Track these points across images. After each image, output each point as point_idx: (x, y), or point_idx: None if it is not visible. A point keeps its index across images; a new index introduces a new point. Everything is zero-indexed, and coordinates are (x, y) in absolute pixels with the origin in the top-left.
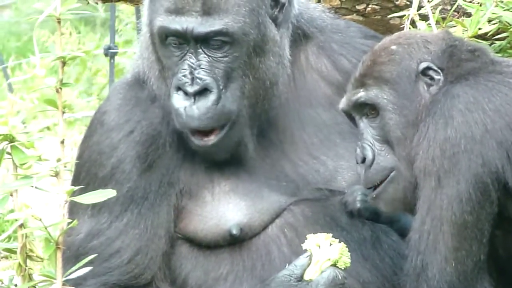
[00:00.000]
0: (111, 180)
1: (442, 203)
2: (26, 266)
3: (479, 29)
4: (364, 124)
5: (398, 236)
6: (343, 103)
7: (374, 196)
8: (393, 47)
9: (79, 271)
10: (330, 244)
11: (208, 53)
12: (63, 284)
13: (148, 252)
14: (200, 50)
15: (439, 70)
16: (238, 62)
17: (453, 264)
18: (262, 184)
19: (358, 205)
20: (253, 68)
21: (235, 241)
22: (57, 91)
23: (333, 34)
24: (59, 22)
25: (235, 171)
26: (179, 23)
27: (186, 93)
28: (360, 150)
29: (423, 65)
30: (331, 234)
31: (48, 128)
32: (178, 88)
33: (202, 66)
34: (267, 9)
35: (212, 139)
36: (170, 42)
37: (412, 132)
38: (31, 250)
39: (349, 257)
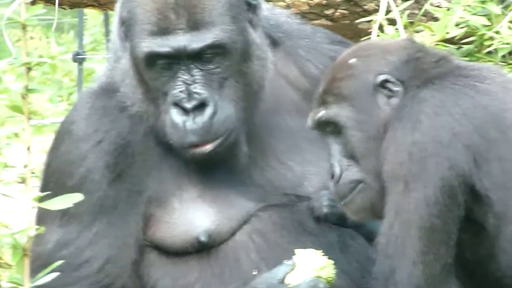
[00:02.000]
0: (80, 190)
1: (410, 207)
2: None
3: (447, 33)
4: (330, 141)
5: (365, 240)
6: (309, 121)
7: (343, 205)
8: (352, 60)
9: (47, 276)
10: (316, 259)
11: (201, 67)
12: None
13: (118, 261)
14: (192, 65)
15: (398, 82)
16: (230, 70)
17: (421, 268)
18: (229, 190)
19: (325, 210)
20: (243, 74)
21: (203, 248)
22: (23, 97)
23: (300, 39)
24: (24, 28)
25: (202, 178)
26: (168, 45)
27: (183, 109)
28: (329, 166)
29: (381, 78)
30: (320, 250)
31: (16, 134)
32: (175, 104)
33: (197, 81)
34: (244, 13)
35: (209, 147)
36: (159, 64)
37: (375, 146)
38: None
39: (335, 272)
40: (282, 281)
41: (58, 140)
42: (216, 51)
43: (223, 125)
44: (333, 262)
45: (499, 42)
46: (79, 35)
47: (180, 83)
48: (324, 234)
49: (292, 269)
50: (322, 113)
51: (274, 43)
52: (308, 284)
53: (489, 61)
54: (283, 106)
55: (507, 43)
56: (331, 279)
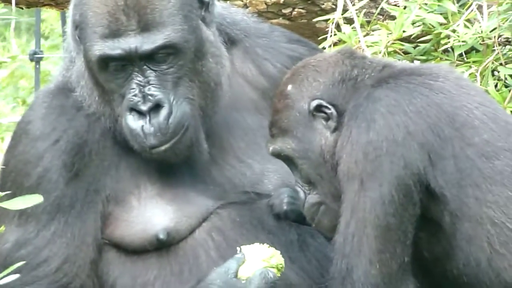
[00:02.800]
0: (38, 189)
1: (366, 205)
2: None
3: (404, 31)
4: (290, 168)
5: (324, 238)
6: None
7: (314, 226)
8: (288, 88)
9: (7, 277)
10: (263, 250)
11: (154, 68)
12: None
13: (76, 260)
14: (145, 67)
15: (330, 105)
16: (184, 70)
17: (378, 267)
18: (188, 188)
19: (285, 207)
20: (197, 72)
21: (162, 246)
22: None
23: (257, 38)
24: None
25: (161, 176)
26: (120, 47)
27: (139, 112)
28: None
29: (313, 104)
30: (265, 244)
31: None
32: (131, 109)
33: (151, 82)
34: (197, 12)
35: (167, 146)
36: (112, 67)
37: (325, 170)
38: None
39: (282, 258)
40: (235, 275)
41: (15, 140)
42: (168, 51)
43: (179, 124)
44: (279, 252)
45: (455, 40)
46: (36, 34)
47: (134, 85)
48: (283, 232)
49: (243, 262)
50: (271, 148)
51: (232, 41)
52: (260, 276)
53: (446, 59)
54: (241, 104)
55: (464, 42)
56: (281, 266)
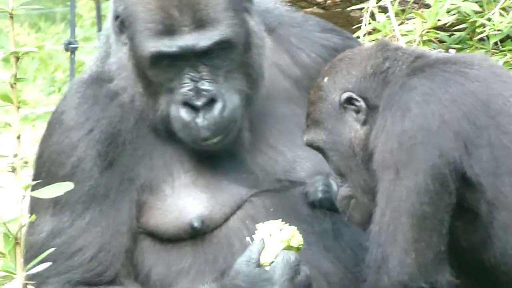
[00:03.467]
0: (72, 179)
1: (401, 195)
2: None
3: (438, 20)
4: (325, 159)
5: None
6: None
7: (347, 219)
8: (323, 80)
9: (41, 266)
10: (281, 229)
11: (207, 63)
12: (25, 279)
13: (111, 249)
14: (199, 62)
15: (360, 98)
16: (234, 63)
17: (413, 256)
18: (222, 176)
19: (320, 195)
20: (244, 65)
21: (196, 234)
22: (11, 86)
23: (291, 27)
24: (11, 17)
25: (194, 164)
26: (176, 45)
27: (193, 107)
28: (330, 184)
29: (344, 96)
30: (279, 219)
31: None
32: (185, 103)
33: (204, 77)
34: (243, 3)
35: (219, 139)
36: (164, 63)
37: (355, 163)
38: None
39: (301, 237)
40: (258, 263)
41: (49, 130)
42: (222, 46)
43: (232, 118)
44: (296, 228)
45: (490, 29)
46: (71, 24)
47: (187, 80)
48: (318, 221)
49: (263, 247)
50: (304, 138)
51: (268, 30)
52: (282, 262)
53: (481, 48)
54: (275, 93)
55: (499, 30)
56: (301, 245)
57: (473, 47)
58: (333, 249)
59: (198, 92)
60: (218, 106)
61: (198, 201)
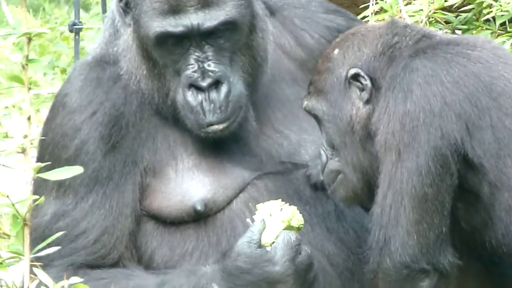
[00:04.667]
0: (75, 161)
1: (403, 176)
2: None
3: (445, 1)
4: (319, 127)
5: (361, 208)
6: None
7: (330, 192)
8: (333, 52)
9: (46, 250)
10: (281, 209)
11: (212, 43)
12: (31, 261)
13: (114, 232)
14: (204, 42)
15: (367, 77)
16: (238, 44)
17: (415, 237)
18: (225, 159)
19: (322, 177)
20: (249, 47)
21: (199, 217)
22: (23, 67)
23: (295, 8)
24: None
25: (198, 148)
26: (181, 24)
27: (198, 88)
28: (319, 154)
29: (352, 72)
30: (280, 199)
31: (13, 106)
32: (190, 85)
33: (209, 58)
34: None
35: (225, 125)
36: (169, 43)
37: (351, 140)
38: None
39: (301, 216)
40: (259, 244)
41: (52, 113)
42: (228, 27)
43: (237, 103)
44: (296, 207)
45: (497, 10)
46: (76, 6)
47: (193, 61)
48: (321, 203)
49: (264, 228)
50: (305, 103)
51: (270, 11)
52: (283, 242)
53: (487, 29)
54: (279, 76)
55: (506, 11)
56: (301, 225)
57: (480, 28)
58: (336, 231)
59: (203, 72)
60: (224, 89)
61: (201, 185)
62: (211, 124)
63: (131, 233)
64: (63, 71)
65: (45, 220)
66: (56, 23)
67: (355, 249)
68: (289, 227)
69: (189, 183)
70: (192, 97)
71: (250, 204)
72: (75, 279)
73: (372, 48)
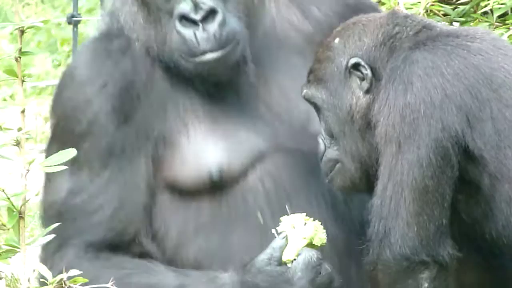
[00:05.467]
0: (89, 135)
1: (403, 168)
2: None
3: None
4: (318, 117)
5: None
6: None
7: (327, 181)
8: (335, 41)
9: (47, 236)
10: (305, 224)
11: None
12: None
13: (130, 206)
14: None
15: (368, 66)
16: None
17: (415, 229)
18: (238, 125)
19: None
20: None
21: (215, 185)
22: (16, 60)
23: None
24: None
25: (209, 113)
26: None
27: (191, 21)
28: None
29: (352, 61)
30: (305, 214)
31: (11, 97)
32: (181, 18)
33: None
34: None
35: (220, 53)
36: None
37: (350, 129)
38: None
39: (325, 233)
40: (280, 261)
41: (61, 87)
42: None
43: (232, 32)
44: (320, 223)
45: (494, 2)
46: None
47: None
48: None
49: (286, 245)
50: (304, 91)
51: None
52: (303, 262)
53: (485, 21)
54: (287, 48)
55: (503, 3)
56: (323, 243)
57: (477, 20)
58: (342, 211)
59: (196, 6)
60: (218, 18)
61: (215, 149)
62: (206, 52)
63: (145, 207)
64: (60, 64)
65: (60, 197)
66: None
67: (357, 230)
68: (311, 245)
69: (203, 149)
70: (184, 28)
71: (264, 179)
72: (74, 272)
73: (373, 38)
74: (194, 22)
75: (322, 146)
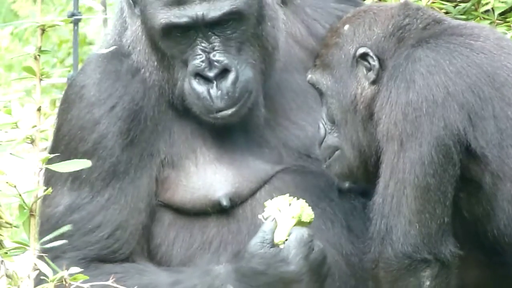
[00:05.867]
0: (93, 155)
1: (405, 166)
2: None
3: None
4: (321, 101)
5: None
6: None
7: (325, 167)
8: (344, 27)
9: (57, 242)
10: (290, 204)
11: (218, 34)
12: (40, 252)
13: (128, 227)
14: (210, 33)
15: (376, 57)
16: (246, 35)
17: (417, 227)
18: (245, 152)
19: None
20: (258, 37)
21: (223, 208)
22: (35, 58)
23: None
24: None
25: (216, 140)
26: (186, 15)
27: (205, 78)
28: (318, 127)
29: (360, 50)
30: (287, 194)
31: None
32: (196, 75)
33: (215, 48)
34: None
35: (233, 110)
36: (175, 34)
37: (352, 117)
38: (0, 217)
39: (311, 209)
40: (272, 243)
41: (68, 104)
42: (233, 17)
43: (245, 88)
44: (305, 200)
45: (496, 0)
46: None
47: (199, 51)
48: (347, 200)
49: (276, 226)
50: (309, 76)
51: (283, 1)
52: (296, 240)
53: (486, 19)
54: (291, 65)
55: (504, 1)
56: (312, 219)
57: (478, 18)
58: (358, 229)
59: (210, 63)
60: (231, 76)
61: (224, 179)
62: (220, 110)
63: (144, 227)
64: (62, 61)
65: (58, 211)
66: (55, 9)
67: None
68: (300, 223)
69: (212, 178)
70: (198, 85)
71: (274, 194)
72: (74, 269)
73: (383, 28)
74: (208, 79)
75: (322, 131)
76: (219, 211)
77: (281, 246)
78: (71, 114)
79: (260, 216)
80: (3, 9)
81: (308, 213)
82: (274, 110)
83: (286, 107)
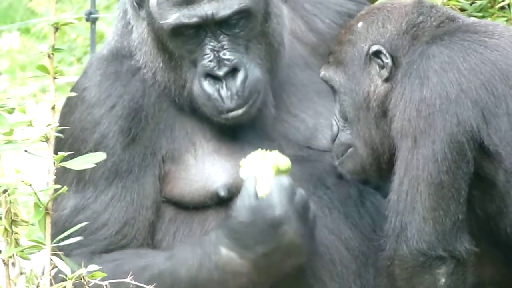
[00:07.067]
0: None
1: (419, 163)
2: (12, 230)
3: None
4: (334, 97)
5: (380, 196)
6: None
7: (337, 164)
8: (358, 24)
9: (68, 240)
10: (264, 157)
11: (226, 32)
12: (52, 250)
13: (135, 223)
14: (219, 31)
15: (389, 55)
16: (253, 32)
17: (432, 224)
18: (245, 144)
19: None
20: (264, 34)
21: (222, 199)
22: (49, 56)
23: None
24: None
25: (216, 133)
26: (196, 15)
27: (215, 77)
28: (331, 124)
29: (374, 48)
30: (259, 149)
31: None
32: (207, 75)
33: (225, 47)
34: None
35: (244, 110)
36: (184, 34)
37: (365, 115)
38: (15, 215)
39: (285, 157)
40: (257, 197)
41: (70, 107)
42: (242, 15)
43: (254, 87)
44: (277, 150)
45: None
46: None
47: (208, 51)
48: (340, 188)
49: (256, 180)
50: (322, 72)
51: None
52: (277, 187)
53: (503, 16)
54: (292, 61)
55: None
56: (289, 166)
57: (495, 15)
58: (353, 216)
59: (219, 62)
60: (240, 76)
61: (222, 170)
62: (230, 110)
63: (150, 224)
64: (78, 59)
65: (65, 214)
66: (72, 8)
67: (370, 234)
68: (279, 172)
69: (210, 169)
70: (209, 86)
71: None
72: (93, 267)
73: (397, 26)
74: (217, 78)
75: (335, 128)
76: (218, 202)
77: (266, 199)
78: (73, 116)
79: (240, 175)
80: (20, 8)
81: (284, 161)
82: (276, 104)
83: (287, 101)
